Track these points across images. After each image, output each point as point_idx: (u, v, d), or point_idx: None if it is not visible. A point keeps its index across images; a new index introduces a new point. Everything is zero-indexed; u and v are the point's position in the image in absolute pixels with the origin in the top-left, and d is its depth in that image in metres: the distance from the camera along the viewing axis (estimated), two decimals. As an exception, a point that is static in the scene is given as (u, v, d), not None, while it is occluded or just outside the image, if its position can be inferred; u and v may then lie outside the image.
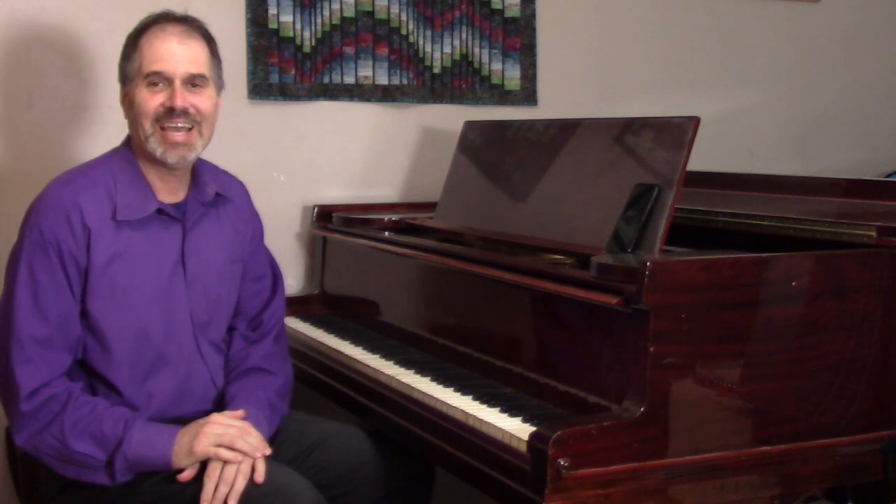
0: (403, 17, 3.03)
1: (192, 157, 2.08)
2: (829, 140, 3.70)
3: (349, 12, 2.97)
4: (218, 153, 2.24)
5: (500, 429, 1.81)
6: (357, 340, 2.50)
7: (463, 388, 2.05)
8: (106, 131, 2.47)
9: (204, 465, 1.92)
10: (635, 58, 3.40)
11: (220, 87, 2.14)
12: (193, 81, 2.05)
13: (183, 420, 2.01)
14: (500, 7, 3.15)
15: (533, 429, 1.74)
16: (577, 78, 3.31)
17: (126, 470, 1.93)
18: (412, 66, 3.05)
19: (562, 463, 1.64)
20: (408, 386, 2.12)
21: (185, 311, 2.10)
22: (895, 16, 3.79)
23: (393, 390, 2.17)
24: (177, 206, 2.11)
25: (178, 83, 2.03)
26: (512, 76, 3.19)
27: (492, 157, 2.58)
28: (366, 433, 2.24)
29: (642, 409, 1.71)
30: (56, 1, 2.67)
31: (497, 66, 3.16)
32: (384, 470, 2.19)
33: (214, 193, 2.16)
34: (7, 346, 1.96)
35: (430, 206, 2.76)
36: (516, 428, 1.80)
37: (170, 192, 2.11)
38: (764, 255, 1.85)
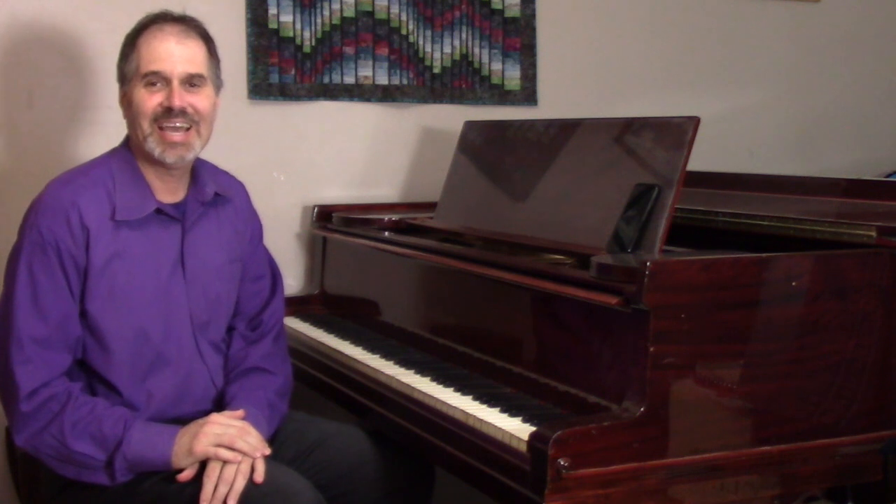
0: (403, 17, 3.02)
1: (190, 156, 2.07)
2: (829, 140, 3.70)
3: (349, 12, 2.97)
4: (218, 153, 2.25)
5: (500, 429, 1.81)
6: (357, 340, 2.50)
7: (463, 388, 2.05)
8: (106, 131, 2.47)
9: (203, 465, 1.92)
10: (635, 58, 3.40)
11: (218, 86, 2.14)
12: (191, 81, 2.05)
13: (183, 420, 2.01)
14: (500, 7, 3.15)
15: (533, 429, 1.74)
16: (577, 78, 3.31)
17: (126, 470, 1.93)
18: (412, 66, 3.05)
19: (562, 463, 1.64)
20: (408, 386, 2.12)
21: (184, 310, 2.10)
22: (895, 16, 3.79)
23: (393, 390, 2.17)
24: (176, 206, 2.11)
25: (175, 83, 2.02)
26: (512, 76, 3.18)
27: (492, 157, 2.58)
28: (366, 433, 2.24)
29: (642, 409, 1.71)
30: (56, 1, 2.67)
31: (497, 66, 3.16)
32: (384, 470, 2.19)
33: (214, 193, 2.16)
34: (7, 347, 1.96)
35: (430, 206, 2.76)
36: (516, 428, 1.80)
37: (169, 192, 2.11)
38: (764, 255, 1.85)
